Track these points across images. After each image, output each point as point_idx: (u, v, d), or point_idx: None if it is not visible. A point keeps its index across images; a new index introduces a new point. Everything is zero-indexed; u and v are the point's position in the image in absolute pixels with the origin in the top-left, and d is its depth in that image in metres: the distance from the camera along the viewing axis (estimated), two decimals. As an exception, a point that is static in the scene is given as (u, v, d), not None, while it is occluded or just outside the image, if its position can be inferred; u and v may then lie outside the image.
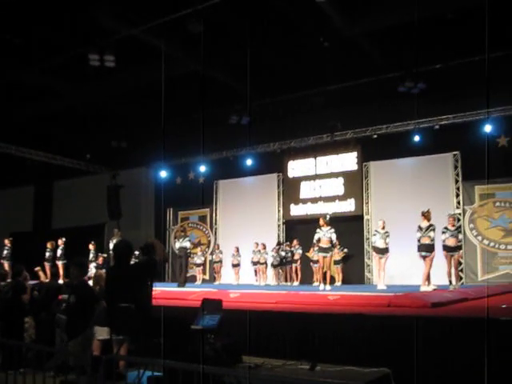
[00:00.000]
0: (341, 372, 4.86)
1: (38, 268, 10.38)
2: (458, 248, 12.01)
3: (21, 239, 19.60)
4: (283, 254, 16.83)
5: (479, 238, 15.25)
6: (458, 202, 15.64)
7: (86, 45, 13.27)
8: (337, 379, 4.45)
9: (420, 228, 11.26)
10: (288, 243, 17.50)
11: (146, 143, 18.30)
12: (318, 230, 12.32)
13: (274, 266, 16.90)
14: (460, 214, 15.41)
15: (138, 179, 20.75)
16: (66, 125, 18.20)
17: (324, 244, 12.15)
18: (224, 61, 14.05)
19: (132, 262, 5.77)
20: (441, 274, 11.91)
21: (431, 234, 11.14)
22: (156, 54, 13.35)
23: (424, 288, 10.71)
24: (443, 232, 11.73)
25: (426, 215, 11.31)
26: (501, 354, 5.53)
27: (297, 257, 16.70)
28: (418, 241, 11.22)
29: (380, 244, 12.57)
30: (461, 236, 12.74)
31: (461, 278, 14.67)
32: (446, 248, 11.67)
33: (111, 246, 16.49)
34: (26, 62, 14.37)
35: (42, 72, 14.96)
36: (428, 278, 11.08)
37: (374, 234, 12.94)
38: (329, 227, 12.18)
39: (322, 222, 12.22)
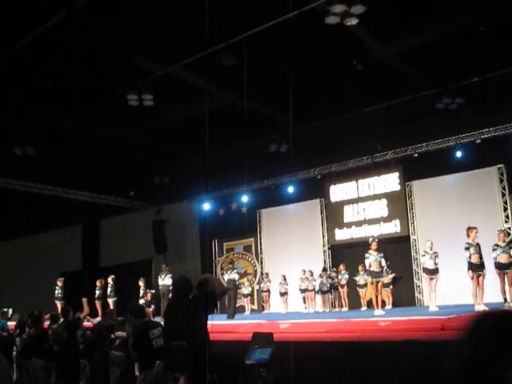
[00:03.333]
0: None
1: (85, 299, 10.43)
2: (510, 264, 11.70)
3: (71, 278, 19.96)
4: (330, 280, 16.70)
5: (531, 251, 14.81)
6: (507, 216, 15.25)
7: (125, 85, 13.62)
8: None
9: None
10: (334, 269, 17.37)
11: (188, 177, 18.52)
12: (367, 255, 12.23)
13: (320, 292, 16.77)
14: (509, 228, 15.02)
15: (182, 213, 20.97)
16: (109, 164, 18.60)
17: (375, 268, 12.07)
18: (259, 91, 14.18)
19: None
20: (495, 291, 11.63)
21: (466, 252, 10.98)
22: (193, 90, 13.60)
23: (478, 307, 10.45)
24: (494, 249, 11.47)
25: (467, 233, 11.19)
26: None
27: (343, 282, 16.54)
28: None
29: (430, 265, 12.36)
30: (513, 251, 12.39)
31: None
32: (499, 265, 11.39)
33: (160, 281, 16.63)
34: (67, 105, 14.80)
35: (83, 114, 15.37)
36: (477, 297, 10.83)
37: (423, 255, 12.73)
38: (377, 251, 12.14)
39: (374, 245, 12.17)
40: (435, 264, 12.33)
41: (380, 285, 12.33)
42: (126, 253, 21.12)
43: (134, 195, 21.25)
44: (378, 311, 11.81)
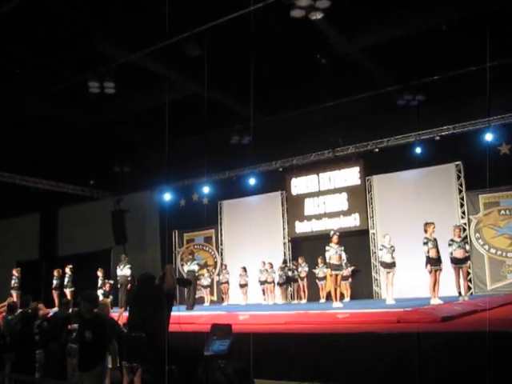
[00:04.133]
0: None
1: (41, 305, 9.89)
2: (466, 259, 11.98)
3: (28, 268, 19.58)
4: (290, 272, 16.80)
5: (486, 247, 15.19)
6: (463, 212, 15.58)
7: (86, 72, 13.38)
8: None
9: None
10: (294, 262, 17.48)
11: (149, 167, 18.36)
12: (327, 248, 12.32)
13: (280, 284, 16.85)
14: (465, 223, 15.35)
15: (142, 203, 20.76)
16: (69, 151, 18.29)
17: (335, 261, 12.18)
18: (222, 82, 14.14)
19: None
20: (450, 285, 11.89)
21: (424, 247, 11.20)
22: (156, 79, 13.47)
23: (434, 301, 10.67)
24: (450, 244, 11.72)
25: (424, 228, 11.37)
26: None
27: (303, 274, 16.65)
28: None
29: (387, 259, 12.56)
30: (468, 247, 12.68)
31: (469, 288, 14.65)
32: (454, 260, 11.65)
33: (118, 271, 16.44)
34: (27, 91, 14.48)
35: (43, 100, 15.05)
36: (434, 291, 11.06)
37: (381, 249, 12.93)
38: (338, 244, 12.24)
39: (335, 239, 12.25)
40: (392, 258, 12.54)
41: (339, 277, 12.47)
42: (84, 242, 20.80)
43: (94, 184, 20.94)
44: (337, 304, 11.95)
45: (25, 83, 14.06)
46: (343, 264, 13.04)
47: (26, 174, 19.13)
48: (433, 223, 11.33)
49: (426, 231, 11.27)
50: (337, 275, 12.27)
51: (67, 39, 12.27)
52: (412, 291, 14.05)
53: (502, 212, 15.17)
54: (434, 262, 11.09)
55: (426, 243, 11.17)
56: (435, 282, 11.03)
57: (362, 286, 16.72)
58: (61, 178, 20.09)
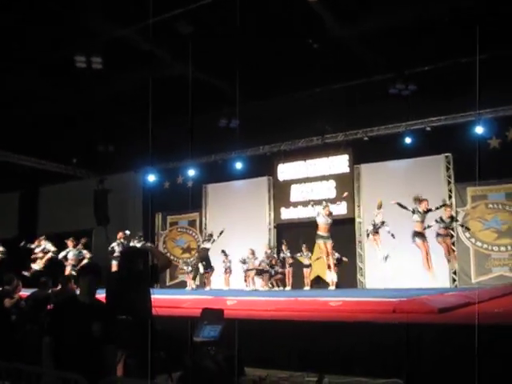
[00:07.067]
0: (351, 384, 4.66)
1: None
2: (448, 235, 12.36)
3: (6, 245, 19.17)
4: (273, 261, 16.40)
5: (472, 239, 15.12)
6: (451, 204, 15.48)
7: (73, 47, 13.01)
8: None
9: None
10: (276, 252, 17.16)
11: (134, 147, 17.99)
12: (317, 215, 12.45)
13: (263, 271, 16.43)
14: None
15: (126, 184, 20.39)
16: (52, 129, 17.86)
17: (323, 232, 12.18)
18: (212, 63, 13.85)
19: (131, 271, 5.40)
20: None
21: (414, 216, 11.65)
22: (143, 57, 13.13)
23: (429, 273, 10.90)
24: (437, 221, 12.46)
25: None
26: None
27: (290, 261, 16.34)
28: None
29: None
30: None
31: (454, 281, 14.68)
32: (438, 235, 12.08)
33: (116, 249, 16.06)
34: (10, 65, 14.03)
35: (27, 75, 14.62)
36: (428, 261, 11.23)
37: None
38: (328, 216, 12.34)
39: (326, 210, 12.50)
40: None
41: (329, 245, 12.45)
42: (65, 222, 20.41)
43: (77, 162, 20.53)
44: (331, 276, 11.99)
45: (8, 56, 13.60)
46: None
47: (7, 150, 18.65)
48: (426, 200, 11.45)
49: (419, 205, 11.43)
50: (326, 243, 12.30)
51: (53, 12, 11.86)
52: (399, 282, 13.96)
53: (490, 205, 15.12)
54: (420, 236, 11.25)
55: (414, 212, 11.31)
56: (427, 253, 11.14)
57: (346, 274, 16.54)
58: (43, 155, 19.63)
